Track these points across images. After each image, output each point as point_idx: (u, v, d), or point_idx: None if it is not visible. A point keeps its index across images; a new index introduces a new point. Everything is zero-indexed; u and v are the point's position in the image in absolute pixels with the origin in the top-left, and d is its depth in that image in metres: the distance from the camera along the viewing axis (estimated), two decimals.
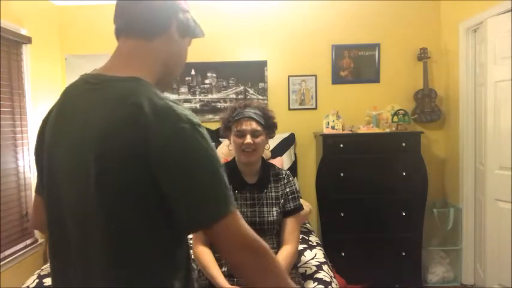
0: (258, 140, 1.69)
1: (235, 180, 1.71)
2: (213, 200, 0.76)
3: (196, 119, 0.80)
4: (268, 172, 1.78)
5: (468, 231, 3.19)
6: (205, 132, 0.80)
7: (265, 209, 1.69)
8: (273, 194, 1.73)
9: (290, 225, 1.71)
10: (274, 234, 1.72)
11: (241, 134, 1.68)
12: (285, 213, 1.73)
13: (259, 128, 1.69)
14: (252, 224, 1.63)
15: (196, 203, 0.76)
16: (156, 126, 0.74)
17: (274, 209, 1.70)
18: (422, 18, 3.47)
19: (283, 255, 1.64)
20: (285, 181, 1.78)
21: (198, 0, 3.42)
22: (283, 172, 1.82)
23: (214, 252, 1.65)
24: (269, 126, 1.76)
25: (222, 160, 2.95)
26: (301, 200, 2.46)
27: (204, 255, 1.61)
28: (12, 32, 2.76)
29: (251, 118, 1.69)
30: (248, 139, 1.66)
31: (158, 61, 0.90)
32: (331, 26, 3.49)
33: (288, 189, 1.77)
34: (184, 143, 0.75)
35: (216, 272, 1.56)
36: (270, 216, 1.68)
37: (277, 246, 1.71)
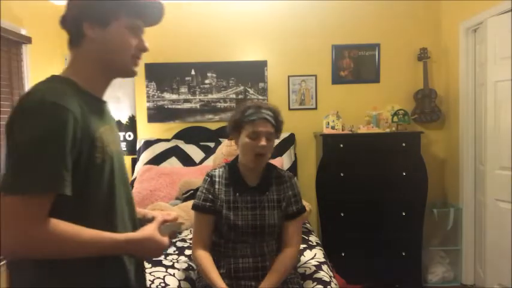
0: (271, 143, 1.64)
1: (236, 183, 1.67)
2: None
3: (49, 99, 0.87)
4: (270, 174, 1.72)
5: (468, 231, 3.19)
6: (51, 113, 0.86)
7: (266, 212, 1.65)
8: (275, 196, 1.69)
9: (292, 228, 1.68)
10: (275, 238, 1.69)
11: (256, 136, 1.60)
12: (287, 217, 1.69)
13: (272, 131, 1.63)
14: (253, 227, 1.61)
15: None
16: (16, 105, 0.91)
17: (276, 212, 1.66)
18: (422, 18, 3.47)
19: (283, 258, 1.62)
20: (288, 184, 1.72)
21: (198, 0, 3.42)
22: (286, 174, 1.76)
23: (213, 256, 1.64)
24: (279, 129, 1.70)
25: (222, 160, 2.95)
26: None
27: (204, 259, 1.59)
28: (12, 32, 2.76)
29: (267, 120, 1.61)
30: (263, 141, 1.59)
31: (89, 60, 1.01)
32: (331, 26, 3.49)
33: (290, 192, 1.71)
34: (21, 119, 0.87)
35: (215, 275, 1.55)
36: (271, 220, 1.64)
37: (277, 250, 1.68)
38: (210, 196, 1.65)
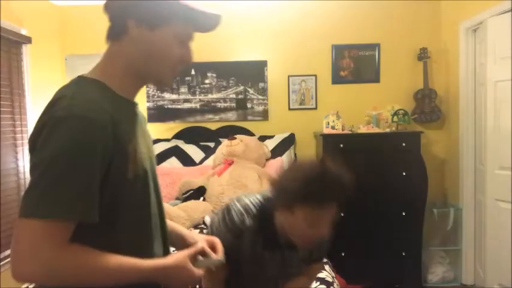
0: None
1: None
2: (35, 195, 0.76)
3: (76, 112, 0.78)
4: None
5: (468, 231, 3.19)
6: (78, 127, 0.77)
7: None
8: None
9: None
10: None
11: (317, 224, 1.15)
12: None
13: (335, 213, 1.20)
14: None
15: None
16: (40, 115, 0.82)
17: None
18: (422, 18, 3.47)
19: None
20: None
21: (198, 0, 3.41)
22: None
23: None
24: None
25: (222, 160, 2.96)
26: None
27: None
28: (12, 32, 2.76)
29: (335, 203, 1.18)
30: (325, 228, 1.17)
31: (123, 61, 0.90)
32: (331, 26, 3.49)
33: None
34: (46, 133, 0.78)
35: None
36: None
37: None
38: None
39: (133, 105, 0.97)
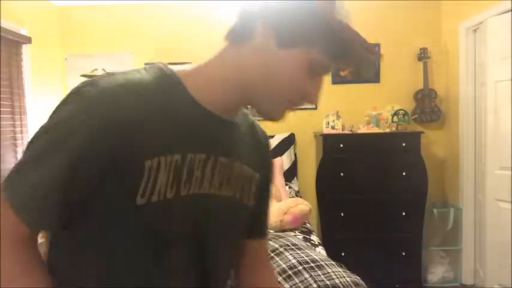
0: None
1: None
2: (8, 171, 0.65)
3: (91, 86, 0.63)
4: None
5: (468, 231, 3.19)
6: (80, 108, 0.62)
7: None
8: None
9: None
10: None
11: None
12: None
13: None
14: None
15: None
16: None
17: None
18: (422, 18, 3.47)
19: None
20: None
21: (199, 0, 3.42)
22: None
23: None
24: None
25: None
26: (301, 199, 2.47)
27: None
28: (12, 32, 2.76)
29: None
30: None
31: (229, 68, 0.71)
32: None
33: None
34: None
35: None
36: None
37: None
38: None
39: (220, 124, 0.74)
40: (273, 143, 3.34)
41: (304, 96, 0.72)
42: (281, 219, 2.29)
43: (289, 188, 3.14)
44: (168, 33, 3.43)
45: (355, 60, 0.73)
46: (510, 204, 2.61)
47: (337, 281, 1.23)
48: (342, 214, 3.02)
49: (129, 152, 0.63)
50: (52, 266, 0.71)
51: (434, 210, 3.25)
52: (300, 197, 2.83)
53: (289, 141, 3.41)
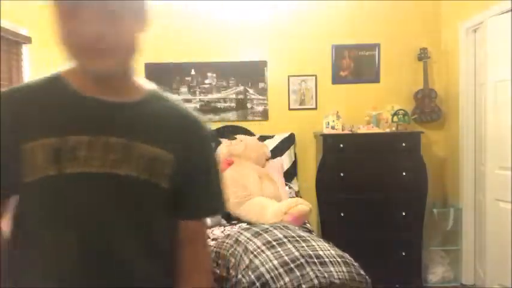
0: None
1: None
2: None
3: None
4: None
5: (468, 231, 3.19)
6: None
7: None
8: None
9: None
10: None
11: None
12: None
13: None
14: None
15: None
16: None
17: None
18: (422, 18, 3.47)
19: None
20: None
21: (198, 0, 3.42)
22: None
23: None
24: None
25: (223, 160, 2.95)
26: (301, 199, 2.47)
27: None
28: (12, 32, 2.76)
29: None
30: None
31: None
32: (331, 26, 3.49)
33: None
34: None
35: None
36: None
37: None
38: None
39: (107, 106, 0.80)
40: (273, 143, 3.34)
41: (69, 38, 0.75)
42: (281, 219, 2.29)
43: (289, 188, 3.14)
44: (167, 33, 3.44)
45: None
46: (510, 204, 2.61)
47: (336, 279, 1.23)
48: (342, 214, 3.02)
49: (11, 138, 0.76)
50: None
51: (434, 210, 3.25)
52: (300, 197, 2.83)
53: (289, 141, 3.41)
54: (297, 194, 3.11)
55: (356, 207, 3.01)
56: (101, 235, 0.78)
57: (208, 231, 2.35)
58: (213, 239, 2.15)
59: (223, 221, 2.53)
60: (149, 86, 0.91)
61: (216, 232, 2.32)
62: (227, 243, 1.29)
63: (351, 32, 3.49)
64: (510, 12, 2.59)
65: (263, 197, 2.62)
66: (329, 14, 3.48)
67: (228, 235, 1.30)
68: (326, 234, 3.05)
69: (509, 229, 2.60)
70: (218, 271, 1.36)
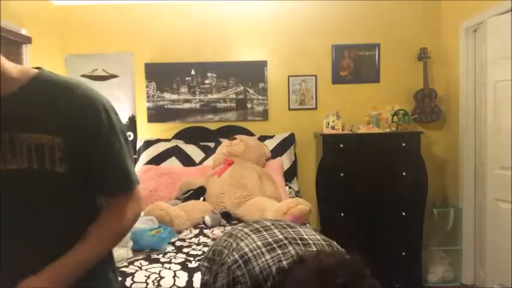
0: None
1: None
2: None
3: None
4: None
5: (468, 231, 3.19)
6: None
7: None
8: None
9: None
10: None
11: None
12: None
13: None
14: None
15: None
16: None
17: None
18: (422, 18, 3.47)
19: None
20: None
21: (198, 0, 3.42)
22: None
23: None
24: None
25: (222, 160, 2.96)
26: (301, 199, 2.47)
27: None
28: (12, 32, 2.76)
29: None
30: None
31: None
32: (331, 26, 3.49)
33: None
34: None
35: None
36: None
37: None
38: None
39: None
40: (273, 143, 3.34)
41: None
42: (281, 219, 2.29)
43: (289, 188, 3.14)
44: (168, 33, 3.44)
45: None
46: (510, 204, 2.61)
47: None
48: (342, 214, 3.02)
49: None
50: None
51: (434, 210, 3.25)
52: (300, 197, 2.83)
53: (289, 141, 3.41)
54: (297, 194, 3.11)
55: (356, 207, 3.01)
56: (12, 233, 0.84)
57: (209, 231, 2.36)
58: (213, 239, 2.16)
59: (223, 221, 2.53)
60: (32, 71, 0.93)
61: (216, 232, 2.32)
62: (222, 238, 1.33)
63: (351, 32, 3.49)
64: (510, 12, 2.59)
65: (263, 197, 2.62)
66: (329, 14, 3.48)
67: (226, 233, 1.33)
68: (326, 234, 3.04)
69: (509, 229, 2.60)
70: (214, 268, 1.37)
